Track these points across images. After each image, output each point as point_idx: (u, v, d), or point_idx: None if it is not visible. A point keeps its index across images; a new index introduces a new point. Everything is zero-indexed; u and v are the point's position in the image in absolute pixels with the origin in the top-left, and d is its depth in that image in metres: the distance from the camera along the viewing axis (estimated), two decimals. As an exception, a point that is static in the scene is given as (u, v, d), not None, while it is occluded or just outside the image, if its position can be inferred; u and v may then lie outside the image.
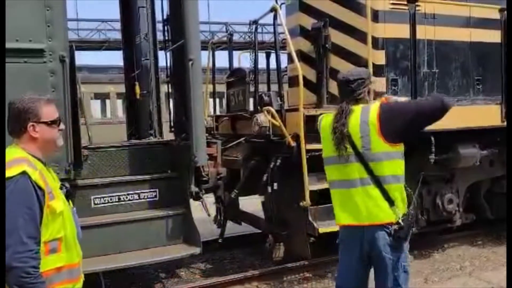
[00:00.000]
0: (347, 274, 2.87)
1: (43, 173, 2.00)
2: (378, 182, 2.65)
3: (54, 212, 1.99)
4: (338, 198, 2.83)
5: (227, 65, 6.58)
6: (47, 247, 1.98)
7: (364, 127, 2.67)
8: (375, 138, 2.66)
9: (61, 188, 2.16)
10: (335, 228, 2.93)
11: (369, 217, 2.68)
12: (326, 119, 2.89)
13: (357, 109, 2.73)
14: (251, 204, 6.05)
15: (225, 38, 7.94)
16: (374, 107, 2.72)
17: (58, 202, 2.02)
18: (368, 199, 2.67)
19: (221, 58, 7.58)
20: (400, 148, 2.73)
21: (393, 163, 2.68)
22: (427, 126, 2.91)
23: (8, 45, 3.51)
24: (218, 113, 7.21)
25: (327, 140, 2.82)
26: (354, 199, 2.70)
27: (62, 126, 2.16)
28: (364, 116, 2.69)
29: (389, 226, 2.66)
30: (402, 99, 3.03)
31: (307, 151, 4.34)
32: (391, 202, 2.66)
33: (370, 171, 2.66)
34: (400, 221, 2.65)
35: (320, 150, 4.52)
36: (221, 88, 6.81)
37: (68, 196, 2.24)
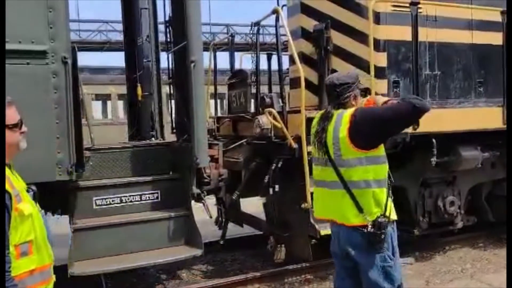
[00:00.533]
0: (339, 272, 2.97)
1: (9, 176, 1.99)
2: (347, 187, 2.71)
3: (23, 215, 1.98)
4: (317, 195, 2.99)
5: (228, 66, 6.59)
6: (18, 250, 1.97)
7: (336, 134, 2.75)
8: (345, 144, 2.71)
9: (28, 191, 2.14)
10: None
11: (342, 218, 2.77)
12: (316, 120, 3.00)
13: (335, 115, 2.80)
14: (252, 205, 6.05)
15: (226, 40, 7.95)
16: (347, 113, 2.75)
17: (25, 205, 2.01)
18: (340, 202, 2.75)
19: (222, 59, 7.60)
20: (377, 152, 2.73)
21: (366, 169, 2.68)
22: (401, 131, 3.03)
23: (11, 46, 3.54)
24: (219, 114, 7.21)
25: (313, 142, 2.95)
26: (331, 199, 2.82)
27: (24, 128, 2.12)
28: (337, 123, 2.76)
29: (362, 228, 2.68)
30: (384, 99, 3.00)
31: (309, 153, 4.33)
32: (359, 208, 2.68)
33: (340, 176, 2.73)
34: (370, 225, 2.65)
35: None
36: (222, 89, 6.82)
37: (35, 198, 2.22)
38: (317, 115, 3.02)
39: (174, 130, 5.38)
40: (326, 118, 2.82)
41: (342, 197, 2.73)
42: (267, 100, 4.95)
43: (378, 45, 4.89)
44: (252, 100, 5.46)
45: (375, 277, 2.72)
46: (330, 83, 2.86)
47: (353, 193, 2.69)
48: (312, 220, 4.43)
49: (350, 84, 2.81)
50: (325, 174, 2.82)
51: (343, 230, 2.79)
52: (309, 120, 4.43)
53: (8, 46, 3.52)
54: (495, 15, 5.45)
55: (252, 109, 5.44)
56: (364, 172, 2.68)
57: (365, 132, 2.68)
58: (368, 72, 4.67)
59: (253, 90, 5.35)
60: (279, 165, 4.65)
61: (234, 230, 6.13)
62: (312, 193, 4.31)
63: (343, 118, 2.74)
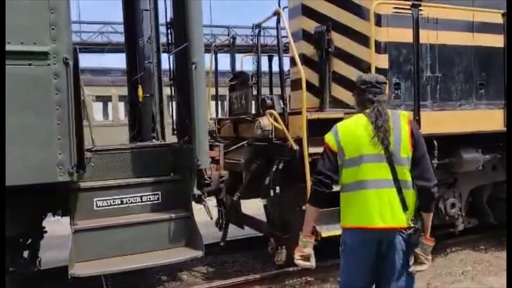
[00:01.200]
0: (355, 279, 2.85)
1: None
2: (399, 186, 2.71)
3: None
4: (354, 199, 2.78)
5: (228, 67, 6.59)
6: None
7: (397, 131, 2.74)
8: (405, 142, 2.73)
9: None
10: (338, 232, 2.91)
11: (392, 220, 2.69)
12: (347, 124, 2.89)
13: (390, 113, 2.81)
14: (253, 207, 6.05)
15: (227, 42, 7.95)
16: (403, 115, 2.83)
17: None
18: (392, 201, 2.70)
19: (223, 61, 7.60)
20: None
21: (408, 169, 2.75)
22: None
23: (13, 47, 3.55)
24: (219, 116, 7.21)
25: (357, 139, 2.77)
26: (382, 200, 2.71)
27: None
28: (396, 122, 2.77)
29: (404, 231, 2.72)
30: None
31: (310, 154, 4.34)
32: (405, 207, 2.71)
33: (395, 174, 2.71)
34: (412, 225, 2.71)
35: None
36: (223, 91, 6.82)
37: None
38: (337, 124, 2.91)
39: (175, 132, 5.38)
40: (379, 115, 2.75)
41: (394, 197, 2.70)
42: (268, 101, 4.95)
43: (379, 47, 4.90)
44: (253, 102, 5.46)
45: (404, 282, 2.76)
46: (371, 79, 2.88)
47: (403, 192, 2.71)
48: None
49: (386, 83, 2.92)
50: (380, 172, 2.73)
51: (386, 235, 2.72)
52: (310, 122, 4.46)
53: (10, 47, 3.55)
54: (496, 17, 5.45)
55: (253, 111, 5.44)
56: (409, 173, 2.74)
57: (417, 142, 2.77)
58: (369, 74, 4.67)
59: (254, 92, 5.35)
60: (280, 166, 4.65)
61: (234, 231, 6.12)
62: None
63: (401, 118, 2.80)
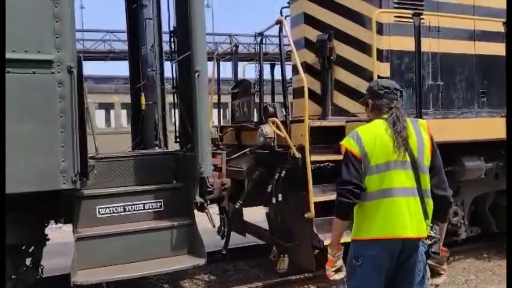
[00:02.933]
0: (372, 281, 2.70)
1: None
2: (422, 195, 2.64)
3: None
4: (378, 208, 2.63)
5: (230, 75, 6.62)
6: None
7: (420, 138, 2.69)
8: (427, 149, 2.70)
9: None
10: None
11: (417, 230, 2.60)
12: (368, 130, 2.74)
13: (408, 120, 2.74)
14: (255, 215, 6.04)
15: (230, 50, 7.99)
16: (422, 125, 2.78)
17: None
18: (416, 210, 2.61)
19: (225, 69, 7.63)
20: None
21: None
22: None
23: (17, 56, 3.58)
24: (222, 123, 7.23)
25: (382, 146, 2.65)
26: (411, 209, 2.60)
27: None
28: (417, 128, 2.72)
29: (424, 241, 2.65)
30: None
31: (312, 162, 4.34)
32: (426, 217, 2.64)
33: (419, 182, 2.64)
34: (432, 234, 2.64)
35: (325, 161, 4.56)
36: (224, 98, 6.85)
37: None
38: (357, 129, 2.77)
39: (177, 139, 5.39)
40: (398, 120, 2.67)
41: (418, 206, 2.62)
42: (271, 109, 4.97)
43: (381, 55, 4.93)
44: (255, 109, 5.48)
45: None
46: (390, 85, 2.82)
47: (425, 201, 2.65)
48: (315, 230, 4.43)
49: (401, 90, 2.92)
50: (407, 180, 2.62)
51: (407, 245, 2.62)
52: (312, 130, 4.47)
53: (15, 56, 3.57)
54: (497, 26, 5.47)
55: (255, 119, 5.46)
56: (429, 181, 2.70)
57: (435, 151, 2.75)
58: (371, 82, 4.69)
59: (256, 100, 5.37)
60: (282, 174, 4.65)
61: (236, 239, 6.11)
62: (316, 203, 4.35)
63: (421, 127, 2.75)
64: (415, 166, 2.63)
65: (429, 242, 2.65)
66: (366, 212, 2.66)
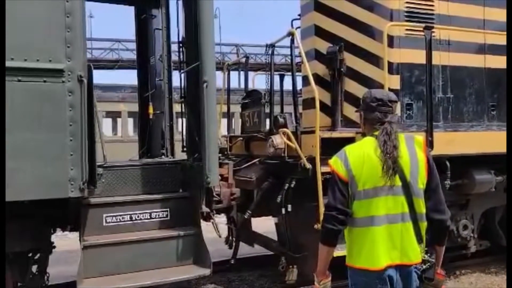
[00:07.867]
0: None
1: None
2: (415, 219, 2.48)
3: None
4: (380, 235, 2.46)
5: (238, 85, 6.64)
6: None
7: (413, 159, 2.50)
8: (422, 172, 2.51)
9: None
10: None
11: (409, 256, 2.48)
12: (357, 150, 2.56)
13: (400, 135, 2.52)
14: (263, 225, 6.00)
15: (240, 60, 8.02)
16: (418, 142, 2.56)
17: None
18: (407, 236, 2.47)
19: (233, 79, 7.64)
20: None
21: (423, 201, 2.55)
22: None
23: (29, 65, 3.60)
24: (229, 133, 7.24)
25: (370, 169, 2.47)
26: (397, 236, 2.46)
27: None
28: (410, 148, 2.52)
29: (418, 266, 2.53)
30: None
31: (323, 173, 4.31)
32: (420, 240, 2.51)
33: (412, 206, 2.48)
34: (426, 258, 2.53)
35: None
36: (233, 108, 6.86)
37: None
38: (345, 148, 2.59)
39: (185, 149, 5.39)
40: (388, 139, 2.46)
41: (407, 231, 2.47)
42: (281, 120, 4.96)
43: (392, 68, 4.91)
44: (267, 119, 5.47)
45: None
46: (383, 96, 2.60)
47: (419, 225, 2.49)
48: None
49: (397, 101, 2.67)
50: (395, 206, 2.46)
51: (401, 272, 2.48)
52: (322, 141, 4.45)
53: (26, 64, 3.59)
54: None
55: (266, 129, 5.45)
56: (424, 204, 2.54)
57: (432, 172, 2.57)
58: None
59: (267, 110, 5.36)
60: (292, 185, 4.63)
61: (241, 249, 6.07)
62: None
63: (416, 144, 2.54)
64: (407, 190, 2.46)
65: (424, 266, 2.53)
66: (355, 238, 2.53)
